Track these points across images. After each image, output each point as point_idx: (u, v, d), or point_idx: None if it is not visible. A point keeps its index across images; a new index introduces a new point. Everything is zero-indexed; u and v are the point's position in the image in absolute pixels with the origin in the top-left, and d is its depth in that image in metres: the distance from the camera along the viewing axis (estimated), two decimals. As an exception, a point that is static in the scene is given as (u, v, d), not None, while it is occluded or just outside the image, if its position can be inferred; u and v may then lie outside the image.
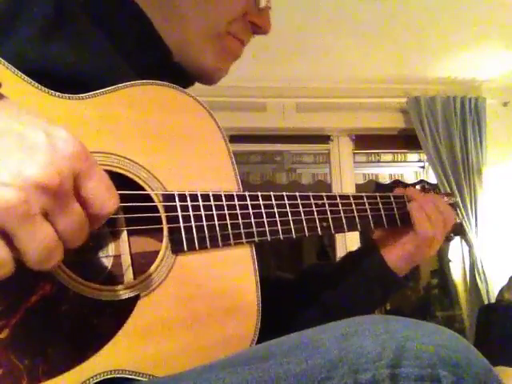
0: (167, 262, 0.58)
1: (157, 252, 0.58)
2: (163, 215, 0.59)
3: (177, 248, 0.59)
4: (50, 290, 0.50)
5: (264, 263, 0.69)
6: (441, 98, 3.13)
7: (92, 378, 0.50)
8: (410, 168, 3.42)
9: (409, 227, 0.84)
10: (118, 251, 0.59)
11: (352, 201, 0.78)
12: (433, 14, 2.50)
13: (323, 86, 3.15)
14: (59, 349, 0.49)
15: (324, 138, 3.26)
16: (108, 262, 0.58)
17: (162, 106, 0.64)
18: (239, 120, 2.97)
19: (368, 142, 3.28)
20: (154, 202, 0.59)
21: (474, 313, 2.86)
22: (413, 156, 3.36)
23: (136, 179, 0.58)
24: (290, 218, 0.69)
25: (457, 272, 3.17)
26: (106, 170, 0.56)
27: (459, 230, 0.91)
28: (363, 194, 0.81)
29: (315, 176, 3.38)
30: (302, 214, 0.71)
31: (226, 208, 0.63)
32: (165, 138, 0.63)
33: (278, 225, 0.68)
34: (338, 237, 3.09)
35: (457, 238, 3.04)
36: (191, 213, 0.61)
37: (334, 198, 0.76)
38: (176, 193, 0.60)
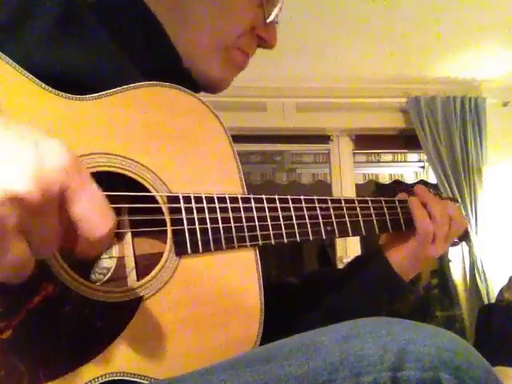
0: (171, 264, 0.58)
1: (161, 254, 0.58)
2: (167, 217, 0.59)
3: (181, 250, 0.59)
4: (52, 291, 0.50)
5: (266, 265, 0.69)
6: (441, 98, 3.13)
7: (94, 379, 0.50)
8: (410, 168, 3.42)
9: (413, 230, 0.84)
10: (122, 253, 0.59)
11: (357, 205, 0.78)
12: (433, 14, 2.50)
13: (323, 86, 3.14)
14: (61, 350, 0.49)
15: (324, 138, 3.25)
16: (112, 264, 0.58)
17: (167, 107, 0.64)
18: (239, 120, 2.96)
19: (368, 142, 3.27)
20: (158, 203, 0.59)
21: (474, 313, 2.86)
22: (413, 156, 3.36)
23: (141, 181, 0.58)
24: (295, 221, 0.69)
25: (457, 272, 3.17)
26: (111, 172, 0.56)
27: (466, 237, 0.91)
28: (368, 198, 0.81)
29: (315, 176, 3.38)
30: (307, 218, 0.71)
31: (230, 211, 0.63)
32: (170, 140, 0.63)
33: (283, 228, 0.68)
34: (339, 237, 3.09)
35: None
36: (196, 215, 0.61)
37: (339, 201, 0.76)
38: (181, 195, 0.60)
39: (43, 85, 0.54)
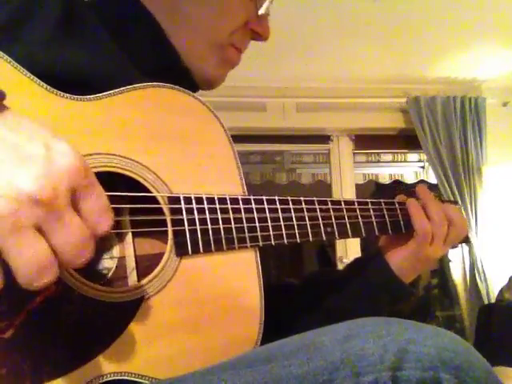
0: (171, 264, 0.59)
1: (161, 254, 0.59)
2: (168, 218, 0.59)
3: (181, 251, 0.59)
4: (54, 291, 0.50)
5: (267, 266, 0.69)
6: (441, 98, 3.13)
7: (95, 379, 0.50)
8: (410, 168, 3.42)
9: (413, 232, 0.84)
10: (123, 253, 0.59)
11: (357, 206, 0.78)
12: (433, 14, 2.50)
13: (323, 86, 3.15)
14: (63, 349, 0.50)
15: (324, 138, 3.26)
16: (112, 264, 0.58)
17: (168, 108, 0.64)
18: (239, 120, 2.96)
19: (368, 142, 3.28)
20: (159, 204, 0.59)
21: (474, 313, 2.86)
22: (413, 156, 3.36)
23: (142, 181, 0.59)
24: (295, 222, 0.69)
25: (457, 272, 3.17)
26: (112, 172, 0.56)
27: (466, 239, 0.90)
28: (368, 200, 0.81)
29: (315, 176, 3.38)
30: (307, 219, 0.71)
31: (230, 211, 0.64)
32: (171, 141, 0.63)
33: (283, 229, 0.68)
34: (339, 237, 3.09)
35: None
36: (196, 216, 0.61)
37: (339, 203, 0.76)
38: (182, 195, 0.60)
39: (44, 85, 0.55)
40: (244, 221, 0.64)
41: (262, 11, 0.76)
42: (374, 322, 0.49)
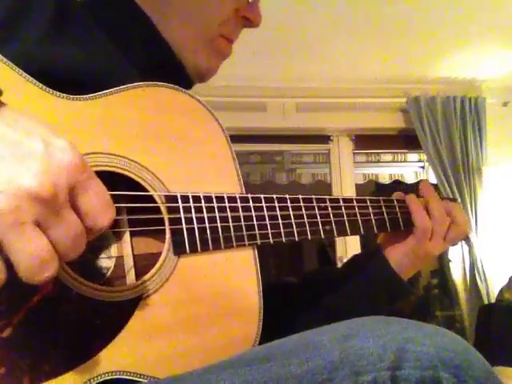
0: (169, 263, 0.58)
1: (159, 253, 0.58)
2: (166, 217, 0.59)
3: (179, 250, 0.59)
4: (52, 290, 0.50)
5: (266, 264, 0.69)
6: (441, 98, 3.13)
7: (93, 378, 0.50)
8: (410, 168, 3.42)
9: (412, 229, 0.83)
10: (121, 252, 0.59)
11: (355, 204, 0.78)
12: (433, 14, 2.51)
13: (323, 86, 3.15)
14: (61, 349, 0.49)
15: (324, 138, 3.26)
16: (110, 263, 0.58)
17: (165, 107, 0.64)
18: (239, 120, 2.97)
19: (368, 142, 3.28)
20: (157, 203, 0.59)
21: (474, 313, 2.86)
22: (413, 156, 3.36)
23: (139, 180, 0.58)
24: (293, 220, 0.69)
25: (457, 272, 3.17)
26: (110, 171, 0.56)
27: (466, 238, 0.90)
28: (366, 198, 0.81)
29: (315, 176, 3.38)
30: (305, 217, 0.71)
31: (228, 210, 0.63)
32: (168, 140, 0.63)
33: (281, 227, 0.68)
34: (339, 236, 3.09)
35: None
36: (194, 215, 0.61)
37: (337, 201, 0.76)
38: (179, 194, 0.60)
39: (40, 85, 0.54)
40: (242, 219, 0.64)
41: None
42: (374, 321, 0.48)
